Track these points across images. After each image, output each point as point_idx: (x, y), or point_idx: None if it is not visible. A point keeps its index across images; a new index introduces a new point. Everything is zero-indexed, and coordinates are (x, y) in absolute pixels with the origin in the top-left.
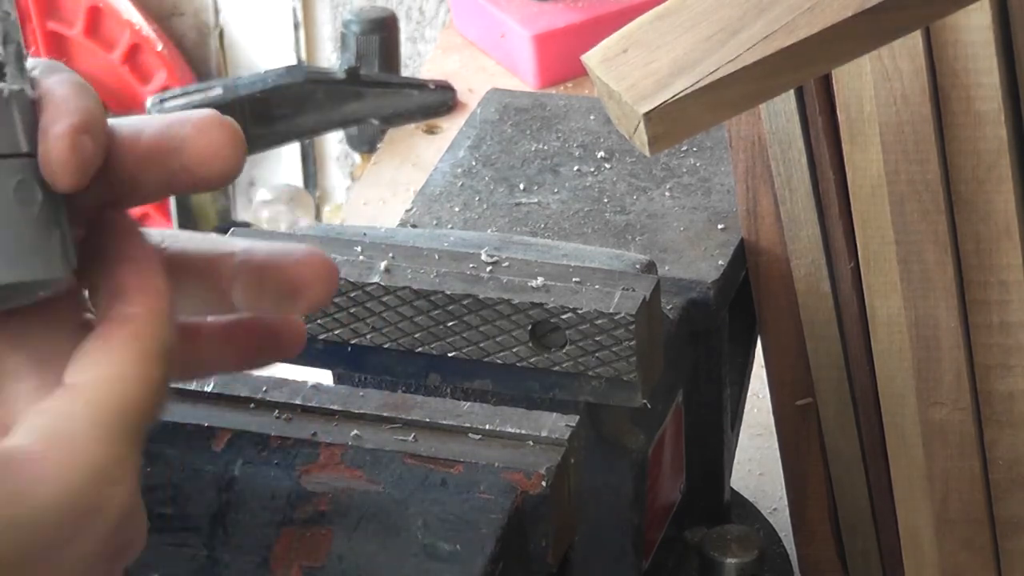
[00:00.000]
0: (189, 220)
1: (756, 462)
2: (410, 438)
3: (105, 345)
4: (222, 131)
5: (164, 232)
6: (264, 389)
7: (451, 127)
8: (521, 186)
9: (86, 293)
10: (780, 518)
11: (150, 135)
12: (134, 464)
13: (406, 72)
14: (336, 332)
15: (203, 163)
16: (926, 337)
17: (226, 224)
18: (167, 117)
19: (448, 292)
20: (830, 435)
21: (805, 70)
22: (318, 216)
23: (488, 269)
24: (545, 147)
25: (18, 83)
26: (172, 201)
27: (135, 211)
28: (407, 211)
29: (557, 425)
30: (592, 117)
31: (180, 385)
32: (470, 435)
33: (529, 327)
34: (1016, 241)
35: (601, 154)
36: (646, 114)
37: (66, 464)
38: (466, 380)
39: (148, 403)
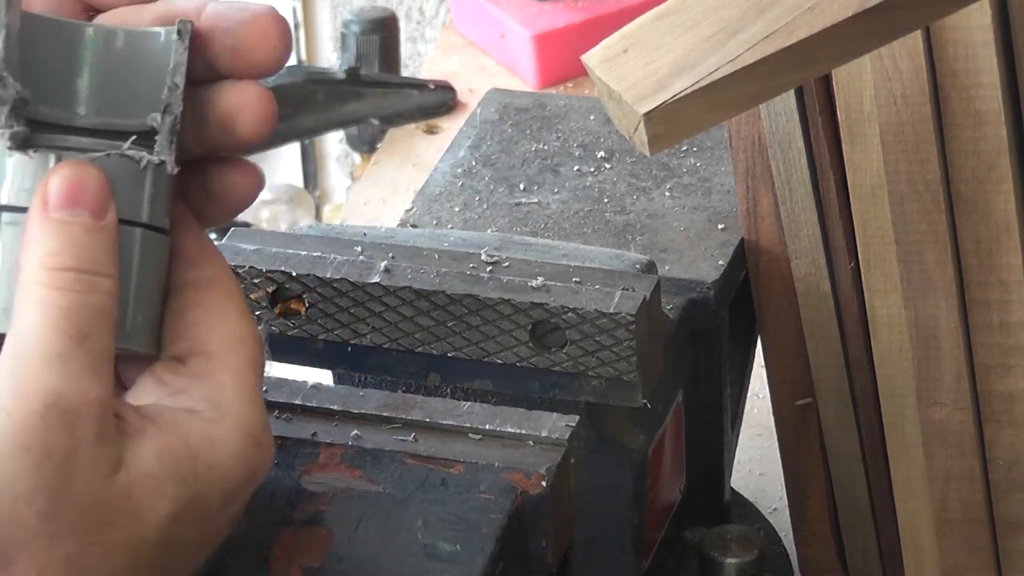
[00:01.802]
0: None
1: (756, 462)
2: (410, 438)
3: (212, 310)
4: (275, 23)
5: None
6: (264, 389)
7: (451, 127)
8: (521, 186)
9: None
10: (780, 518)
11: (209, 12)
12: (269, 425)
13: (406, 72)
14: (336, 332)
15: (251, 47)
16: (926, 337)
17: (226, 224)
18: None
19: (448, 292)
20: (830, 435)
21: (805, 70)
22: (318, 216)
23: (488, 269)
24: (545, 147)
25: (164, 155)
26: None
27: None
28: (407, 211)
29: (557, 425)
30: (592, 117)
31: None
32: (470, 435)
33: (529, 327)
34: (1016, 241)
35: (601, 154)
36: (646, 114)
37: (230, 434)
38: (466, 380)
39: (263, 358)
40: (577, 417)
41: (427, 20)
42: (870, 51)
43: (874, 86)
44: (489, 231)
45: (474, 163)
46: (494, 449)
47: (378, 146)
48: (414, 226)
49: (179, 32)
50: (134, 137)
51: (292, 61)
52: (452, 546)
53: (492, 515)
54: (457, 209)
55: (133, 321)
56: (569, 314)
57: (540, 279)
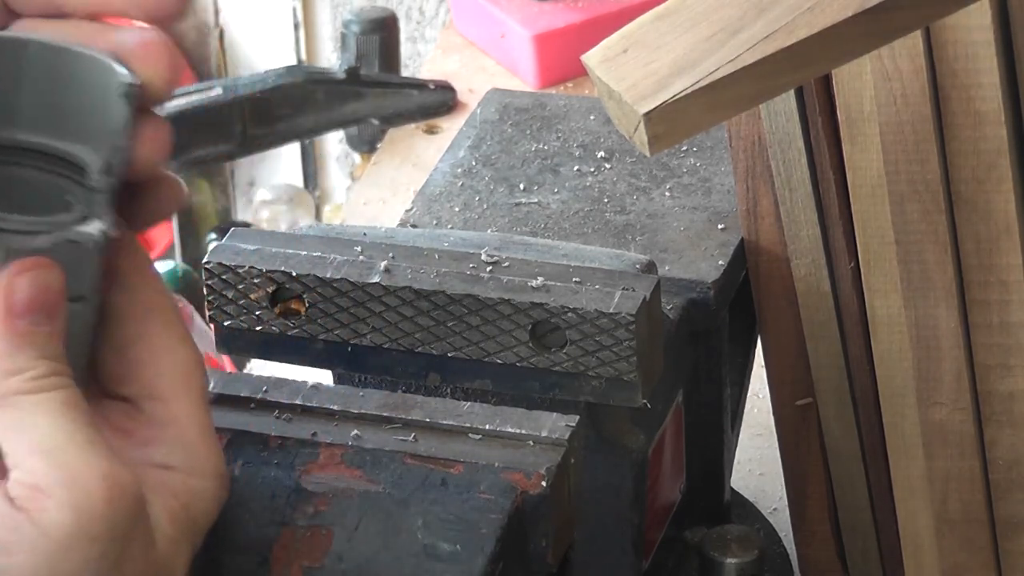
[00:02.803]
0: (189, 220)
1: (756, 462)
2: (410, 438)
3: (155, 344)
4: (158, 50)
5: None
6: (264, 389)
7: (451, 127)
8: (521, 186)
9: None
10: (780, 518)
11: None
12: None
13: (406, 72)
14: (336, 332)
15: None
16: (926, 337)
17: (226, 224)
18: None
19: (448, 292)
20: (830, 435)
21: (805, 70)
22: (318, 216)
23: (488, 269)
24: (545, 147)
25: (103, 222)
26: None
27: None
28: (407, 211)
29: (557, 425)
30: (592, 117)
31: None
32: (470, 435)
33: (529, 327)
34: (1016, 241)
35: (601, 154)
36: (646, 114)
37: (208, 484)
38: (466, 380)
39: (205, 379)
40: (577, 417)
41: (427, 20)
42: (870, 51)
43: (874, 86)
44: (489, 231)
45: (474, 163)
46: (494, 449)
47: (378, 146)
48: (414, 226)
49: (127, 96)
50: (81, 219)
51: (292, 61)
52: (452, 546)
53: (492, 515)
54: (457, 209)
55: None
56: (569, 314)
57: (540, 279)
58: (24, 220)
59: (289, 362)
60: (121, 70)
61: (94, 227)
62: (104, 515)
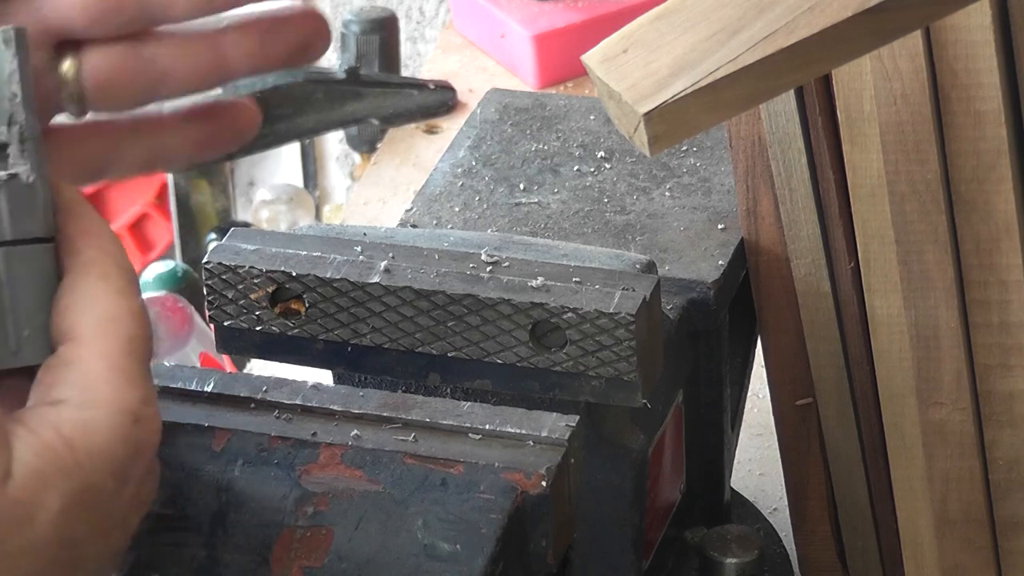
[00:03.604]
0: (189, 220)
1: (756, 462)
2: (410, 438)
3: (83, 293)
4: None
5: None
6: (264, 389)
7: (451, 127)
8: (521, 186)
9: None
10: (780, 518)
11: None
12: (155, 399)
13: (406, 72)
14: (336, 332)
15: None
16: (926, 337)
17: (226, 224)
18: None
19: (448, 292)
20: (830, 435)
21: (805, 70)
22: (318, 216)
23: (488, 269)
24: (545, 147)
25: (19, 167)
26: (172, 202)
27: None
28: (407, 211)
29: (557, 425)
30: (592, 117)
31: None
32: (470, 435)
33: (529, 327)
34: (1016, 241)
35: (601, 154)
36: (646, 114)
37: (103, 416)
38: (466, 380)
39: (143, 334)
40: (577, 417)
41: (427, 20)
42: (870, 51)
43: (874, 86)
44: (489, 231)
45: (474, 163)
46: (494, 449)
47: (378, 146)
48: (414, 226)
49: (5, 41)
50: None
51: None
52: (452, 546)
53: (492, 515)
54: (457, 209)
55: (18, 338)
56: (569, 314)
57: (540, 279)
58: None
59: (289, 362)
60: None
61: (2, 172)
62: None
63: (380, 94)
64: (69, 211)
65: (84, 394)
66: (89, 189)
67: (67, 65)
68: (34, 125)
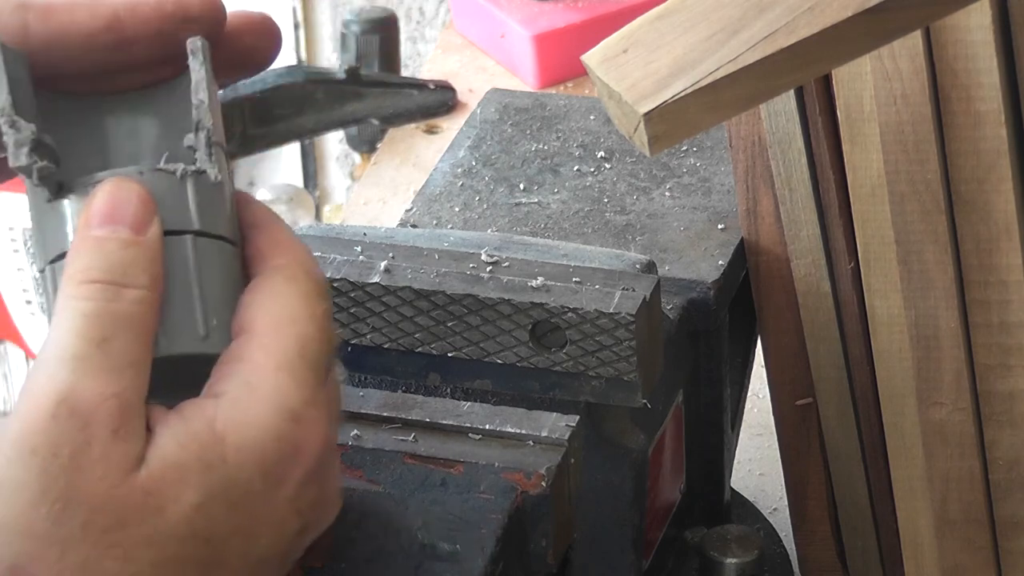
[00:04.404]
0: None
1: (756, 462)
2: (410, 438)
3: (266, 293)
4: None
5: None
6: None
7: (451, 127)
8: (521, 186)
9: None
10: (780, 518)
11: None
12: (324, 405)
13: (406, 72)
14: (336, 332)
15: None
16: (926, 337)
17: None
18: None
19: (448, 292)
20: (830, 435)
21: (805, 70)
22: (318, 216)
23: (488, 269)
24: (545, 147)
25: (205, 166)
26: None
27: None
28: (407, 211)
29: (557, 425)
30: (592, 117)
31: None
32: (470, 435)
33: (529, 327)
34: (1016, 241)
35: (601, 154)
36: (646, 114)
37: (260, 410)
38: (466, 380)
39: (321, 340)
40: (577, 417)
41: (427, 20)
42: (870, 51)
43: (874, 86)
44: (489, 231)
45: (474, 163)
46: (494, 449)
47: (378, 146)
48: (414, 226)
49: (191, 51)
50: (167, 153)
51: (292, 61)
52: (452, 546)
53: (492, 515)
54: (457, 209)
55: (207, 325)
56: (569, 314)
57: (540, 279)
58: (108, 172)
59: None
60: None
61: (182, 165)
62: (43, 429)
63: (380, 94)
64: (260, 225)
65: (245, 389)
66: None
67: None
68: (220, 131)
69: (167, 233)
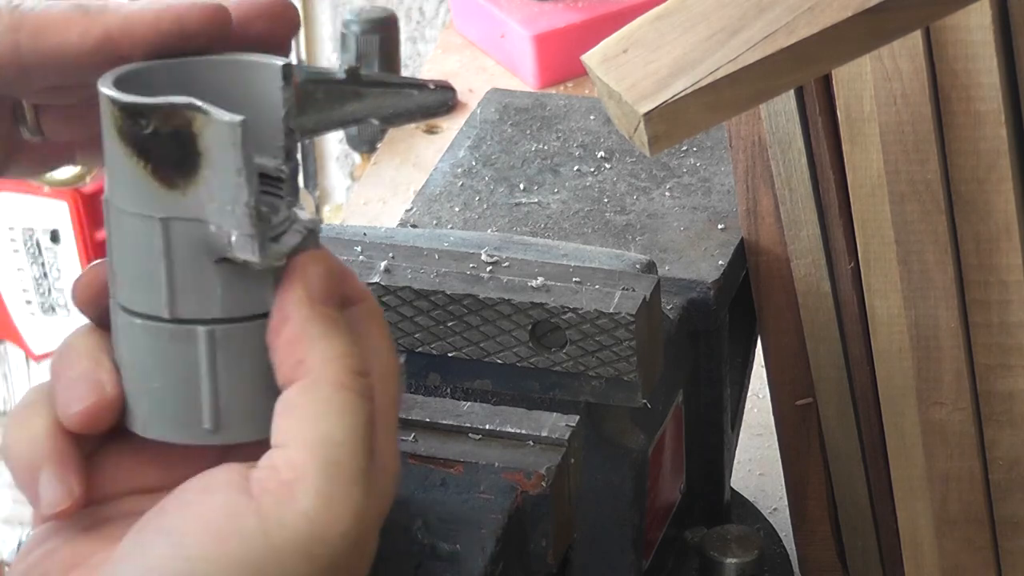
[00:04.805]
0: None
1: (756, 462)
2: (410, 438)
3: (300, 403)
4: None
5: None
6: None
7: (451, 127)
8: (521, 186)
9: None
10: (780, 518)
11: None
12: (366, 513)
13: (406, 72)
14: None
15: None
16: (926, 337)
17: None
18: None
19: (448, 292)
20: (830, 435)
21: (805, 70)
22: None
23: (488, 269)
24: (545, 147)
25: (300, 209)
26: None
27: None
28: (407, 211)
29: (557, 425)
30: (592, 117)
31: None
32: (470, 435)
33: (529, 327)
34: (1016, 241)
35: (601, 154)
36: (646, 114)
37: (347, 516)
38: (466, 380)
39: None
40: (577, 417)
41: (427, 20)
42: (870, 51)
43: (874, 86)
44: (489, 231)
45: (474, 163)
46: (494, 449)
47: (378, 146)
48: (414, 226)
49: (285, 76)
50: (311, 218)
51: (292, 61)
52: (452, 546)
53: (492, 515)
54: (457, 209)
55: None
56: (569, 314)
57: (540, 279)
58: (289, 237)
59: None
60: (273, 59)
61: (308, 214)
62: (330, 543)
63: (380, 94)
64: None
65: (281, 509)
66: (88, 189)
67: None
68: (297, 162)
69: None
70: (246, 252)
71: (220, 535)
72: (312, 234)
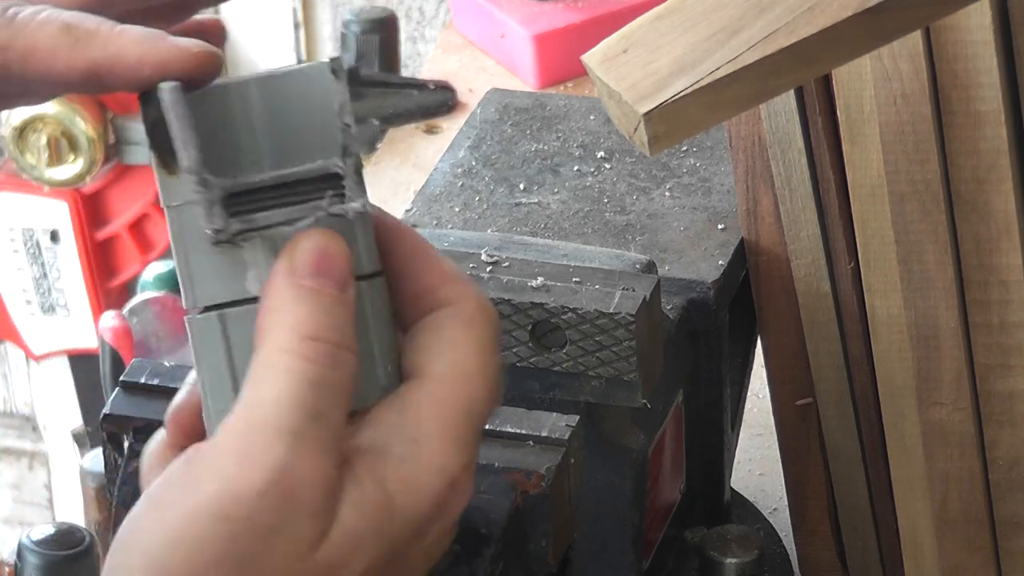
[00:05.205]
0: None
1: (756, 462)
2: None
3: (442, 337)
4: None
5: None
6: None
7: (451, 127)
8: (521, 186)
9: None
10: (780, 518)
11: None
12: (474, 465)
13: (406, 72)
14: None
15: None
16: (926, 337)
17: None
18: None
19: None
20: (830, 435)
21: (805, 70)
22: None
23: (488, 269)
24: (545, 147)
25: (358, 199)
26: None
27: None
28: (407, 211)
29: (557, 425)
30: (592, 117)
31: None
32: None
33: (529, 327)
34: (1016, 241)
35: (601, 154)
36: (646, 114)
37: (424, 476)
38: None
39: (488, 400)
40: (577, 417)
41: (427, 20)
42: (870, 51)
43: (874, 86)
44: (489, 231)
45: (474, 163)
46: (494, 449)
47: (378, 146)
48: (414, 226)
49: (334, 71)
50: (331, 193)
51: (292, 61)
52: (452, 546)
53: (492, 515)
54: (457, 209)
55: (385, 372)
56: (569, 314)
57: (540, 279)
58: (282, 212)
59: None
60: (323, 61)
61: (351, 204)
62: (248, 502)
63: (380, 94)
64: (421, 257)
65: (412, 448)
66: (88, 189)
67: None
68: (360, 157)
69: None
70: (202, 220)
71: (157, 504)
72: (339, 218)
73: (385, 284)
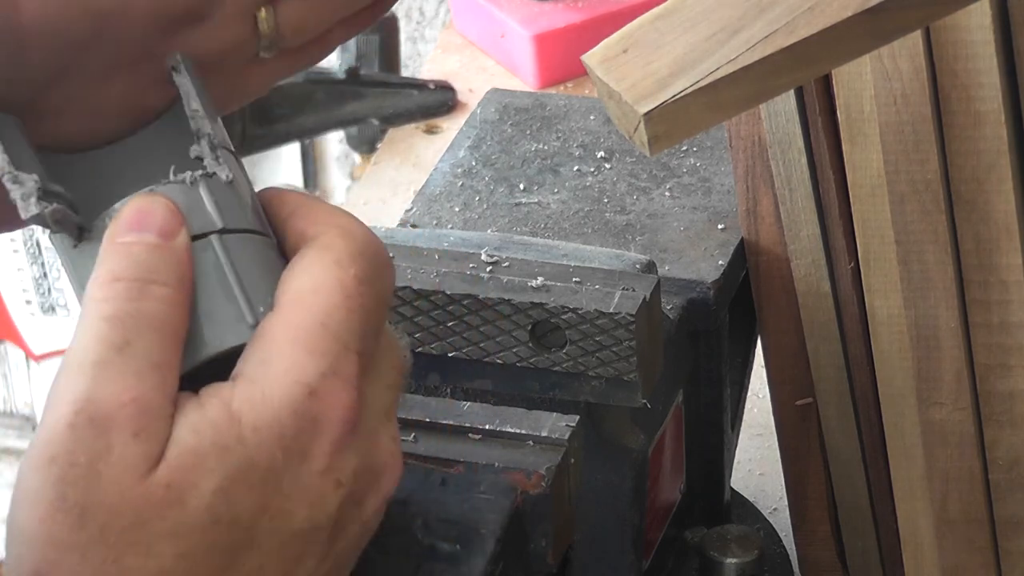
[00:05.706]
0: None
1: (756, 462)
2: (410, 438)
3: (296, 267)
4: None
5: None
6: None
7: (451, 127)
8: (521, 186)
9: None
10: (780, 518)
11: None
12: (350, 374)
13: (406, 72)
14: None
15: None
16: (926, 337)
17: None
18: None
19: (448, 292)
20: (830, 435)
21: (805, 70)
22: None
23: (488, 269)
24: (545, 147)
25: (213, 168)
26: None
27: None
28: (407, 211)
29: (557, 425)
30: (592, 117)
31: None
32: (470, 435)
33: (529, 327)
34: (1016, 241)
35: (601, 154)
36: (646, 114)
37: (274, 387)
38: (466, 380)
39: (349, 307)
40: (577, 417)
41: (427, 20)
42: (870, 51)
43: (874, 86)
44: (489, 231)
45: (474, 163)
46: (494, 449)
47: (378, 146)
48: (414, 226)
49: (174, 68)
50: (173, 166)
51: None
52: (452, 546)
53: (492, 515)
54: (457, 209)
55: (255, 314)
56: (569, 314)
57: (540, 279)
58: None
59: None
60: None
61: (191, 173)
62: (61, 438)
63: (380, 94)
64: (297, 210)
65: (260, 367)
66: None
67: (263, 15)
68: (222, 134)
69: (194, 238)
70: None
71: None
72: (181, 186)
73: (261, 242)
